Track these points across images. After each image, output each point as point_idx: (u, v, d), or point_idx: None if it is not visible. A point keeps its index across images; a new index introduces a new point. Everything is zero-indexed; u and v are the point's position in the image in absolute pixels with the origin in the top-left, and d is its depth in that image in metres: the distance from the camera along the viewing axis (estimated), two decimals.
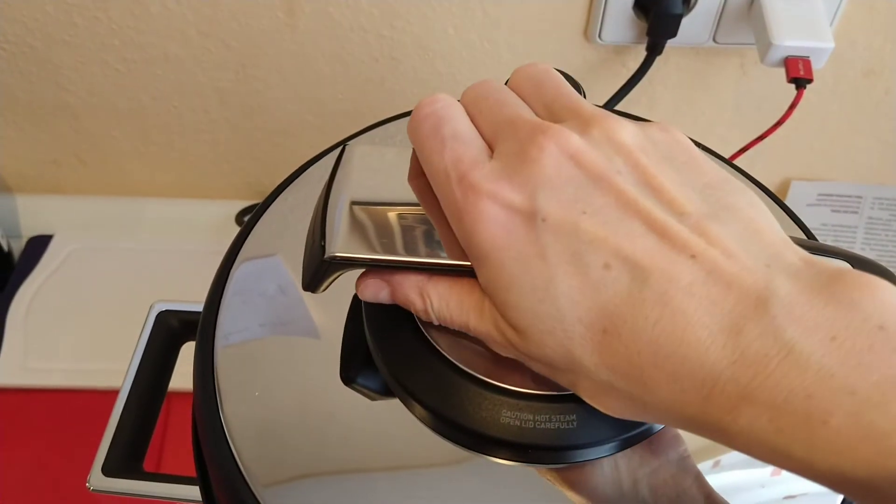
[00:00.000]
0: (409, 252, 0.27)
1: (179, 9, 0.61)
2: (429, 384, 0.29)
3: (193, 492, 0.38)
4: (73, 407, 0.65)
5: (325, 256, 0.27)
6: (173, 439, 0.62)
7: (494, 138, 0.26)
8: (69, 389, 0.66)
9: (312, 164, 0.41)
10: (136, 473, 0.38)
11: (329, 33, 0.62)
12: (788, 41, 0.54)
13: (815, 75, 0.56)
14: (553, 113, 0.27)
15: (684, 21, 0.58)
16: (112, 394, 0.41)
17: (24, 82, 0.66)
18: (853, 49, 0.63)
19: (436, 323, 0.28)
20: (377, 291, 0.28)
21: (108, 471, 0.38)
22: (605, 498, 0.29)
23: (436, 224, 0.28)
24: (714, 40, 0.61)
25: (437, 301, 0.27)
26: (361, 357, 0.32)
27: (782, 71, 0.56)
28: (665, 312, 0.22)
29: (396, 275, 0.28)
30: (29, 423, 0.64)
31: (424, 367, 0.29)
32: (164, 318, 0.42)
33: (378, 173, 0.30)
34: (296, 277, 0.35)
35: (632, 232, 0.23)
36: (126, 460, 0.39)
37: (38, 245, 0.76)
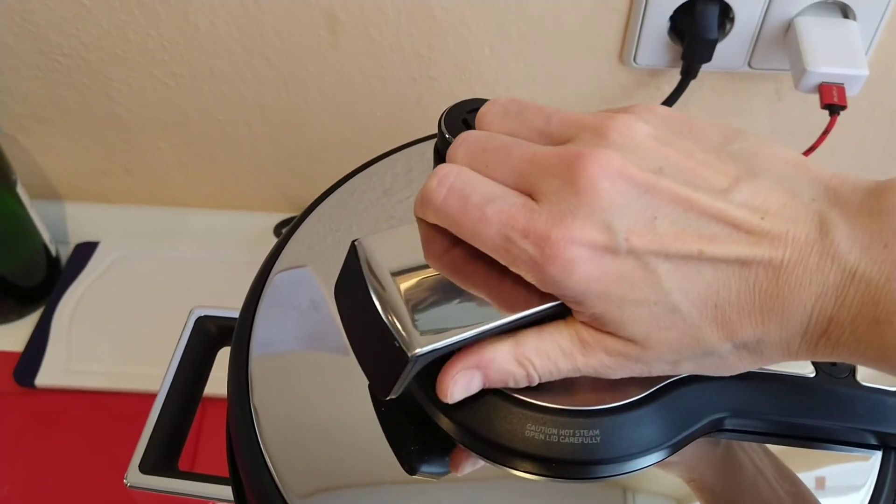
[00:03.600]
0: (483, 318, 0.26)
1: (226, 27, 0.63)
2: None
3: (225, 491, 0.39)
4: (112, 408, 0.67)
5: (411, 355, 0.25)
6: (207, 442, 0.64)
7: (524, 183, 0.26)
8: (109, 391, 0.68)
9: (349, 179, 0.42)
10: (172, 472, 0.40)
11: (369, 52, 0.64)
12: (823, 68, 0.55)
13: (851, 102, 0.56)
14: (552, 135, 0.28)
15: (719, 46, 0.59)
16: (150, 397, 0.43)
17: (76, 95, 0.69)
18: (889, 77, 0.63)
19: (534, 384, 0.27)
20: (468, 382, 0.27)
21: (144, 468, 0.40)
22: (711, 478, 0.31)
23: (483, 290, 0.27)
24: (749, 65, 0.61)
25: (540, 359, 0.27)
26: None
27: (818, 97, 0.56)
28: (759, 273, 0.25)
29: (485, 355, 0.27)
30: (70, 422, 0.67)
31: None
32: (202, 322, 0.44)
33: (404, 256, 0.28)
34: (327, 292, 0.36)
35: (698, 224, 0.25)
36: (162, 459, 0.40)
37: (85, 251, 0.78)
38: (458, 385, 0.27)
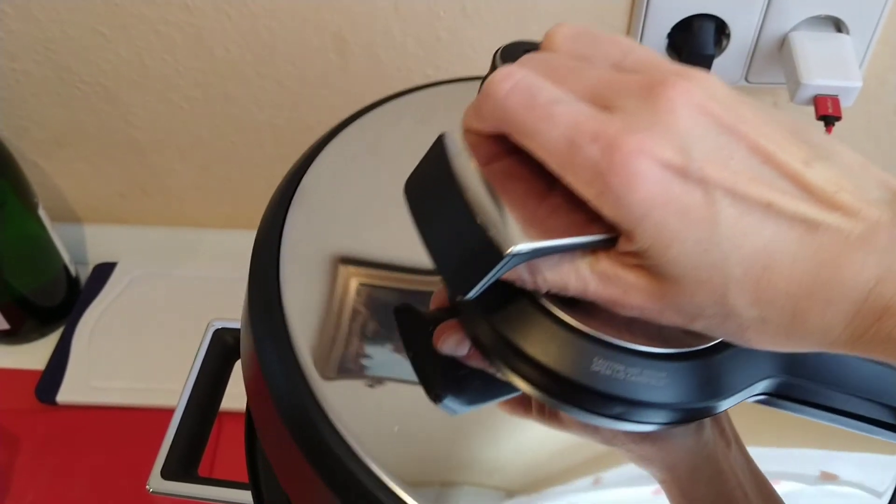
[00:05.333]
0: (572, 229, 0.24)
1: (239, 52, 0.65)
2: (519, 325, 0.27)
3: (243, 496, 0.41)
4: (132, 423, 0.68)
5: (507, 252, 0.23)
6: (224, 456, 0.65)
7: (597, 101, 0.24)
8: (129, 407, 0.70)
9: (380, 106, 0.42)
10: (192, 477, 0.42)
11: (377, 73, 0.66)
12: (817, 80, 0.56)
13: (849, 113, 0.57)
14: (626, 71, 0.26)
15: (716, 61, 0.60)
16: (168, 412, 0.44)
17: (95, 119, 0.72)
18: (884, 88, 0.64)
19: (542, 291, 0.26)
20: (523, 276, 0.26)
21: (166, 474, 0.41)
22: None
23: (521, 210, 0.25)
24: (746, 80, 0.63)
25: (552, 274, 0.25)
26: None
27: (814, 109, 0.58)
28: (824, 242, 0.23)
29: (548, 260, 0.25)
30: (91, 437, 0.68)
31: (516, 307, 0.27)
32: (220, 334, 0.46)
33: None
34: (362, 208, 0.36)
35: (772, 177, 0.23)
36: (183, 465, 0.42)
37: (104, 272, 0.80)
38: (525, 275, 0.26)
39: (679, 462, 0.30)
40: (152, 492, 0.41)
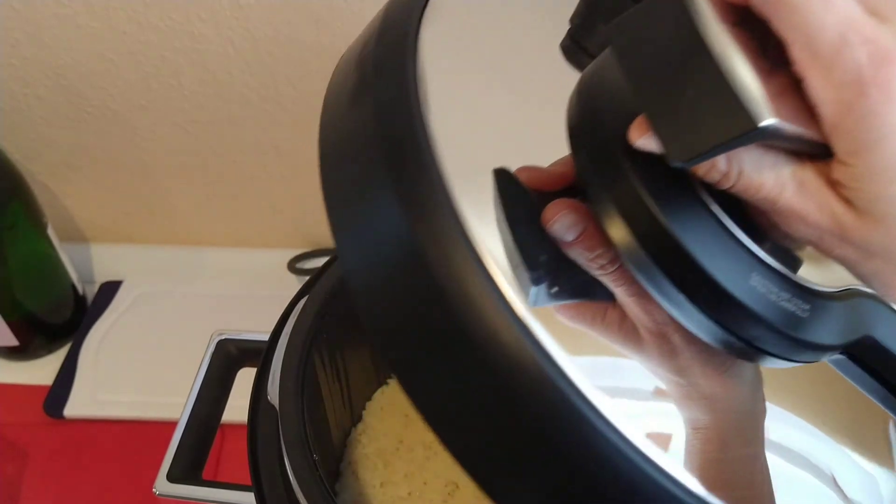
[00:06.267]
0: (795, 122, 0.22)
1: (242, 76, 0.68)
2: (683, 219, 0.25)
3: (247, 497, 0.42)
4: (137, 436, 0.70)
5: (761, 125, 0.21)
6: (226, 468, 0.67)
7: (865, 4, 0.22)
8: (134, 420, 0.71)
9: None
10: (197, 480, 0.43)
11: None
12: None
13: None
14: None
15: None
16: (173, 424, 0.46)
17: (103, 142, 0.74)
18: None
19: (722, 187, 0.24)
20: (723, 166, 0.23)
21: (172, 478, 0.43)
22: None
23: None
24: None
25: (751, 171, 0.23)
26: None
27: None
28: None
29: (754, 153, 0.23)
30: (98, 450, 0.70)
31: (683, 200, 0.25)
32: (223, 345, 0.48)
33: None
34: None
35: None
36: (188, 469, 0.44)
37: (110, 290, 0.82)
38: (717, 167, 0.24)
39: (733, 411, 0.28)
40: (158, 494, 0.43)
